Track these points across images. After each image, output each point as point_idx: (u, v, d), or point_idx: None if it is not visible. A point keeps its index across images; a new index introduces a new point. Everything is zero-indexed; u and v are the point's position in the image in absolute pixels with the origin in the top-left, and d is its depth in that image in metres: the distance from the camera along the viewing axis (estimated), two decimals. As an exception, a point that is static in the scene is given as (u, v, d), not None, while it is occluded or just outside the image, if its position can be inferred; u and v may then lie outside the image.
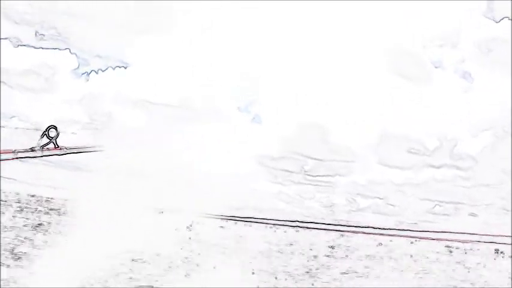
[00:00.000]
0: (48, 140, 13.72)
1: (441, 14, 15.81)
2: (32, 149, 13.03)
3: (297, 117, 15.04)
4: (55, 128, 13.95)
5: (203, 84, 15.62)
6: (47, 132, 13.84)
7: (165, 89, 15.55)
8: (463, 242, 16.01)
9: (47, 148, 13.87)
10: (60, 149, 14.00)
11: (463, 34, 16.01)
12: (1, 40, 16.62)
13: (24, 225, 13.63)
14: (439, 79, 15.90)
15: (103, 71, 15.44)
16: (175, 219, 14.26)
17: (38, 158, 13.99)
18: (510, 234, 15.30)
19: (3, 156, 12.24)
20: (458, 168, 15.98)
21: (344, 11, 15.66)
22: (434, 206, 15.80)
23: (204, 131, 15.27)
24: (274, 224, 14.39)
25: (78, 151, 14.54)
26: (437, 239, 15.58)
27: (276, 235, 13.62)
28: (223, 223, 13.99)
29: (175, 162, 14.69)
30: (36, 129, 15.14)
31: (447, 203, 15.74)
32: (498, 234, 14.88)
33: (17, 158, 13.20)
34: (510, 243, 14.72)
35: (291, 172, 14.66)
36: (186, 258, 12.77)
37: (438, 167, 15.79)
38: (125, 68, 15.36)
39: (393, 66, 15.81)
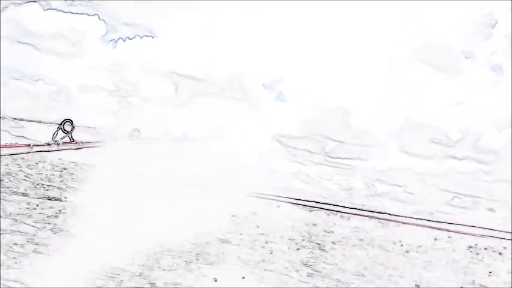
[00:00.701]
0: (64, 134, 13.76)
1: (475, 5, 15.55)
2: (48, 144, 13.18)
3: (322, 98, 15.04)
4: (71, 121, 13.97)
5: (229, 59, 15.69)
6: (62, 126, 13.82)
7: (191, 61, 15.64)
8: (480, 236, 15.96)
9: (63, 142, 13.93)
10: (76, 143, 14.07)
11: (496, 26, 15.75)
12: (30, 3, 16.84)
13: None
14: (468, 70, 15.70)
15: (130, 39, 15.58)
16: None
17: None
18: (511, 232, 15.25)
19: (20, 150, 12.36)
20: (480, 162, 15.87)
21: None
22: (453, 198, 15.74)
23: (227, 105, 15.39)
24: (291, 203, 14.52)
25: (92, 145, 14.65)
26: (454, 231, 15.54)
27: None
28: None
29: (196, 137, 14.83)
30: (51, 123, 15.35)
31: (466, 195, 15.68)
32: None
33: (32, 152, 13.35)
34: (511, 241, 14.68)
35: (312, 152, 14.69)
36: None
37: (460, 159, 15.69)
38: (152, 37, 15.48)
39: (423, 54, 15.65)
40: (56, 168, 11.82)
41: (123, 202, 9.22)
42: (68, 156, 12.99)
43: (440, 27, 15.67)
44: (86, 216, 8.26)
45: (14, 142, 14.90)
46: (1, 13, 16.68)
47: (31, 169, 11.37)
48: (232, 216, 11.74)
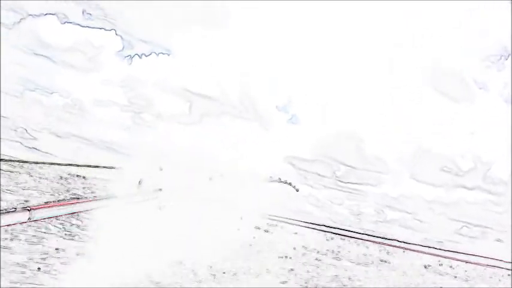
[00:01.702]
0: None
1: (490, 35, 15.83)
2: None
3: (335, 123, 15.20)
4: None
5: (243, 79, 15.89)
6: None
7: (205, 80, 15.83)
8: (486, 266, 15.99)
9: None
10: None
11: (509, 58, 15.99)
12: (48, 15, 17.09)
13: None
14: (481, 100, 15.91)
15: (146, 56, 15.78)
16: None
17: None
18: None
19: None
20: (490, 192, 16.00)
21: (389, 22, 15.78)
22: (462, 227, 15.83)
23: (239, 126, 15.52)
24: (300, 226, 14.54)
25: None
26: (460, 260, 15.58)
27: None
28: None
29: (207, 155, 14.93)
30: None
31: (475, 225, 15.77)
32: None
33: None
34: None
35: (323, 176, 14.82)
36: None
37: (470, 189, 15.83)
38: (168, 55, 15.68)
39: (436, 83, 15.87)
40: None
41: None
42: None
43: (455, 57, 15.95)
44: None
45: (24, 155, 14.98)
46: (18, 24, 16.91)
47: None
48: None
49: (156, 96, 15.24)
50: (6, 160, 14.34)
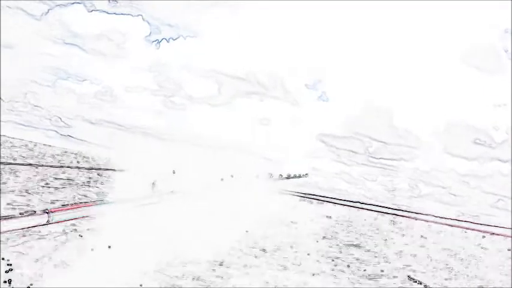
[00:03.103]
0: None
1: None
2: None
3: (364, 98, 15.30)
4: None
5: (271, 59, 16.06)
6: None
7: (234, 61, 16.07)
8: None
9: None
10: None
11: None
12: (75, 4, 17.50)
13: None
14: (513, 70, 15.73)
15: (174, 40, 16.08)
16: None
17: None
18: None
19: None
20: (525, 163, 15.79)
21: (420, 1, 15.74)
22: (498, 201, 15.76)
23: (269, 105, 15.73)
24: (335, 203, 14.71)
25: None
26: (499, 234, 15.52)
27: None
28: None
29: (239, 136, 15.18)
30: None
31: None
32: None
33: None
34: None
35: (355, 152, 14.93)
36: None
37: (505, 161, 15.73)
38: (195, 38, 15.94)
39: (466, 55, 15.80)
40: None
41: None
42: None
43: (483, 28, 15.82)
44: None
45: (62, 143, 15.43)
46: (46, 15, 17.35)
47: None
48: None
49: (185, 80, 15.55)
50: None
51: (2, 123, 15.65)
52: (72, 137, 15.44)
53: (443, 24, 15.96)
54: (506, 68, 16.03)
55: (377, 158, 14.64)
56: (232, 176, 13.96)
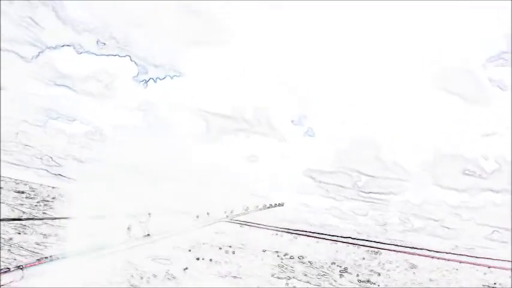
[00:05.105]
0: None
1: (503, 33, 16.16)
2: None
3: (351, 132, 15.59)
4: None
5: (256, 95, 16.52)
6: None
7: (220, 99, 16.55)
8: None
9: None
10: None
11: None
12: (65, 47, 18.23)
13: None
14: (498, 99, 16.07)
15: (161, 80, 16.64)
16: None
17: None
18: None
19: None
20: (518, 193, 15.79)
21: (401, 27, 16.34)
22: (493, 232, 15.66)
23: (256, 142, 16.03)
24: (326, 239, 14.66)
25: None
26: (495, 267, 15.30)
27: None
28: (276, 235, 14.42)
29: (227, 172, 15.40)
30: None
31: (506, 229, 15.54)
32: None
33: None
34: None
35: (344, 187, 15.08)
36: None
37: (497, 191, 15.75)
38: (182, 77, 16.51)
39: (451, 84, 16.20)
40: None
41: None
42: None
43: (468, 57, 16.28)
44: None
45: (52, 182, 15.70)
46: (36, 58, 18.02)
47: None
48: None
49: (173, 118, 15.96)
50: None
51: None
52: (63, 175, 15.72)
53: (427, 56, 16.46)
54: (492, 96, 16.36)
55: (366, 192, 14.78)
56: (208, 214, 14.21)
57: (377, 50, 16.07)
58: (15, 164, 16.30)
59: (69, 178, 15.11)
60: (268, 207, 15.73)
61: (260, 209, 15.85)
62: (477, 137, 15.88)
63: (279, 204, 15.42)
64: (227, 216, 15.66)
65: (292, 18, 16.69)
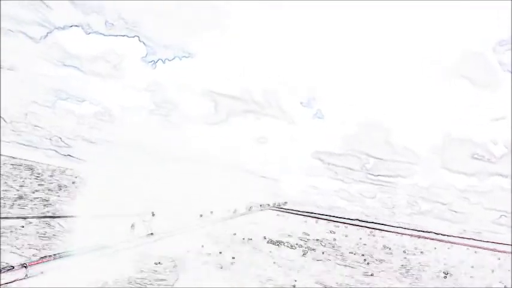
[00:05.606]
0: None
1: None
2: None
3: (360, 115, 15.60)
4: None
5: (266, 77, 16.48)
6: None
7: (229, 80, 16.51)
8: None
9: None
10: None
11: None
12: (73, 27, 18.19)
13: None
14: (507, 84, 16.00)
15: (170, 61, 16.62)
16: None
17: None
18: None
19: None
20: (526, 178, 15.77)
21: (413, 12, 16.22)
22: (500, 217, 15.70)
23: (266, 123, 16.02)
24: (334, 221, 14.73)
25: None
26: (502, 251, 15.36)
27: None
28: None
29: (234, 154, 15.44)
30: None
31: (514, 214, 15.54)
32: None
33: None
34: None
35: (352, 170, 15.11)
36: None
37: (505, 176, 15.74)
38: (190, 58, 16.46)
39: (461, 69, 16.15)
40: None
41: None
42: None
43: (478, 41, 16.18)
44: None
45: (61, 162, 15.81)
46: (45, 38, 18.00)
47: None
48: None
49: (181, 99, 15.95)
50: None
51: (5, 143, 16.07)
52: (72, 156, 15.80)
53: (437, 39, 16.38)
54: (502, 80, 16.28)
55: (375, 175, 14.81)
56: (211, 213, 14.28)
57: (387, 36, 16.00)
58: (24, 145, 16.41)
59: (78, 159, 15.20)
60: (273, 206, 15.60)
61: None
62: (486, 121, 15.88)
63: (283, 204, 15.39)
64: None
65: (309, 5, 16.60)
